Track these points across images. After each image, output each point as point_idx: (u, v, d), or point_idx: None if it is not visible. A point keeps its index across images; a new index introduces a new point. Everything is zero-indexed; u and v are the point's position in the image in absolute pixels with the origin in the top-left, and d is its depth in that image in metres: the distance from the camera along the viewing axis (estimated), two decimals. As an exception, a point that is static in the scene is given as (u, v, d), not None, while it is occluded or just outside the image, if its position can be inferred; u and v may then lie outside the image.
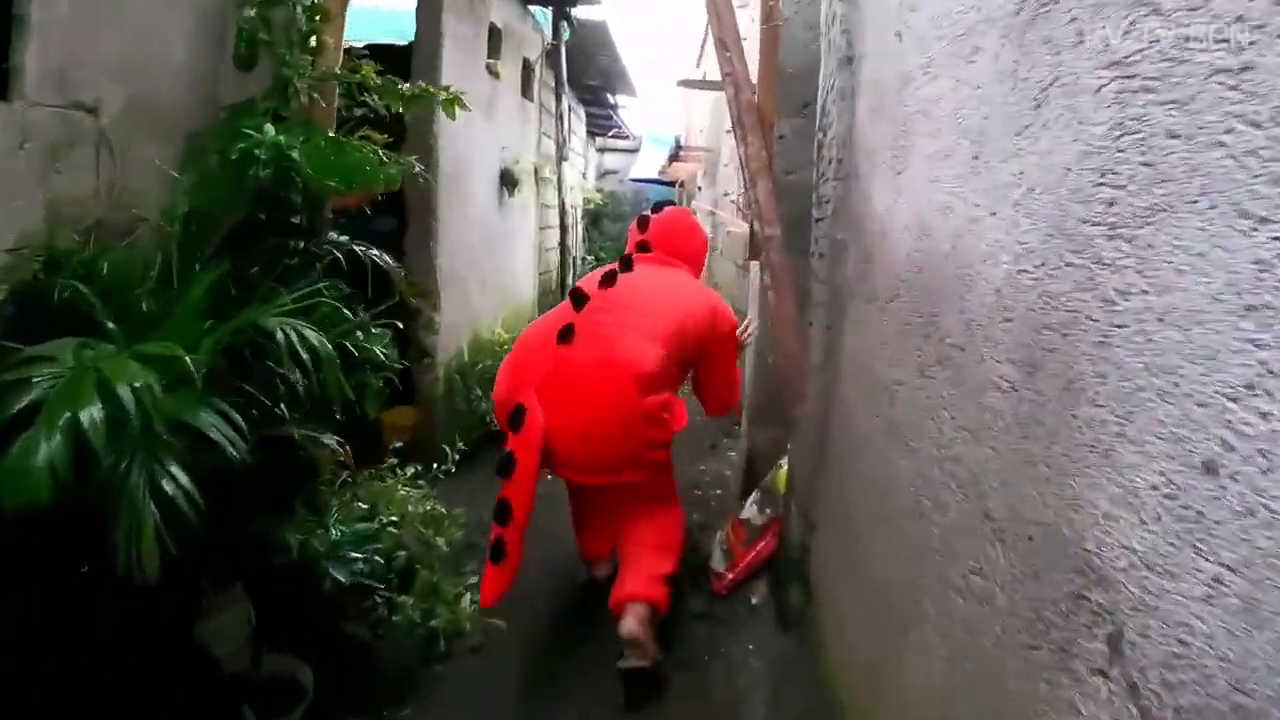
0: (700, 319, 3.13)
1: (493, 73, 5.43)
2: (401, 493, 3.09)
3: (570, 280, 7.05)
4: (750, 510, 3.49)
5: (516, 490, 2.72)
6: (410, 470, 3.33)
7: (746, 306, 4.97)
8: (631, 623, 2.70)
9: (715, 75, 10.56)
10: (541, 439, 2.73)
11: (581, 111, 13.79)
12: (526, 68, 6.50)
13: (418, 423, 4.67)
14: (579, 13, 8.25)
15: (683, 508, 3.33)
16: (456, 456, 4.09)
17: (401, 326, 3.18)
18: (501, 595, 2.70)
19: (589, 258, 14.82)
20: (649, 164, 17.32)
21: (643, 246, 3.42)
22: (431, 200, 4.47)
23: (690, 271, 3.49)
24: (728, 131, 8.58)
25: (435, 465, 3.51)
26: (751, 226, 3.47)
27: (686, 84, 5.71)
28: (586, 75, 11.39)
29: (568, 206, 6.92)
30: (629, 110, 14.76)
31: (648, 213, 3.53)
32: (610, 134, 16.26)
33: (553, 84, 7.12)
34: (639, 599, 2.79)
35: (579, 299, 2.98)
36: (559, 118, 6.91)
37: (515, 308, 6.33)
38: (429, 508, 3.17)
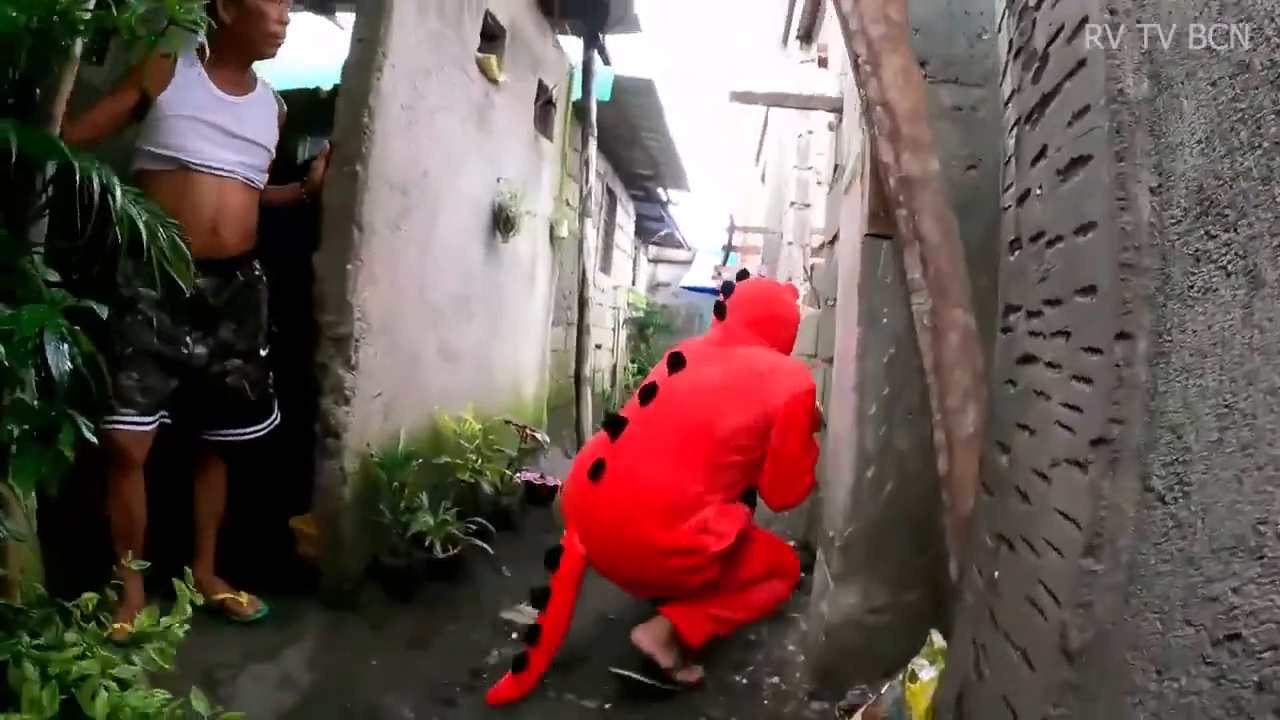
0: (757, 405, 2.77)
1: (486, 73, 4.06)
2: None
3: (584, 371, 5.48)
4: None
5: (549, 618, 2.77)
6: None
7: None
8: (639, 634, 2.77)
9: (775, 170, 9.30)
10: (577, 574, 2.82)
11: (631, 208, 12.68)
12: (544, 94, 5.15)
13: (319, 536, 3.06)
14: (621, 69, 7.05)
15: (792, 576, 3.09)
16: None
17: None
18: (506, 700, 2.67)
19: (631, 364, 13.37)
20: (702, 274, 16.08)
21: (720, 310, 3.17)
22: (354, 206, 2.97)
23: (776, 349, 3.09)
24: (792, 204, 7.15)
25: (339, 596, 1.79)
26: (873, 158, 1.79)
27: (739, 98, 4.24)
28: (631, 158, 10.24)
29: (588, 274, 5.40)
30: (680, 208, 13.58)
31: (728, 287, 3.23)
32: (660, 235, 15.13)
33: (580, 131, 5.77)
34: (662, 617, 2.80)
35: (615, 427, 2.89)
36: (584, 164, 5.51)
37: (504, 399, 4.73)
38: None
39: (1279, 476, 0.68)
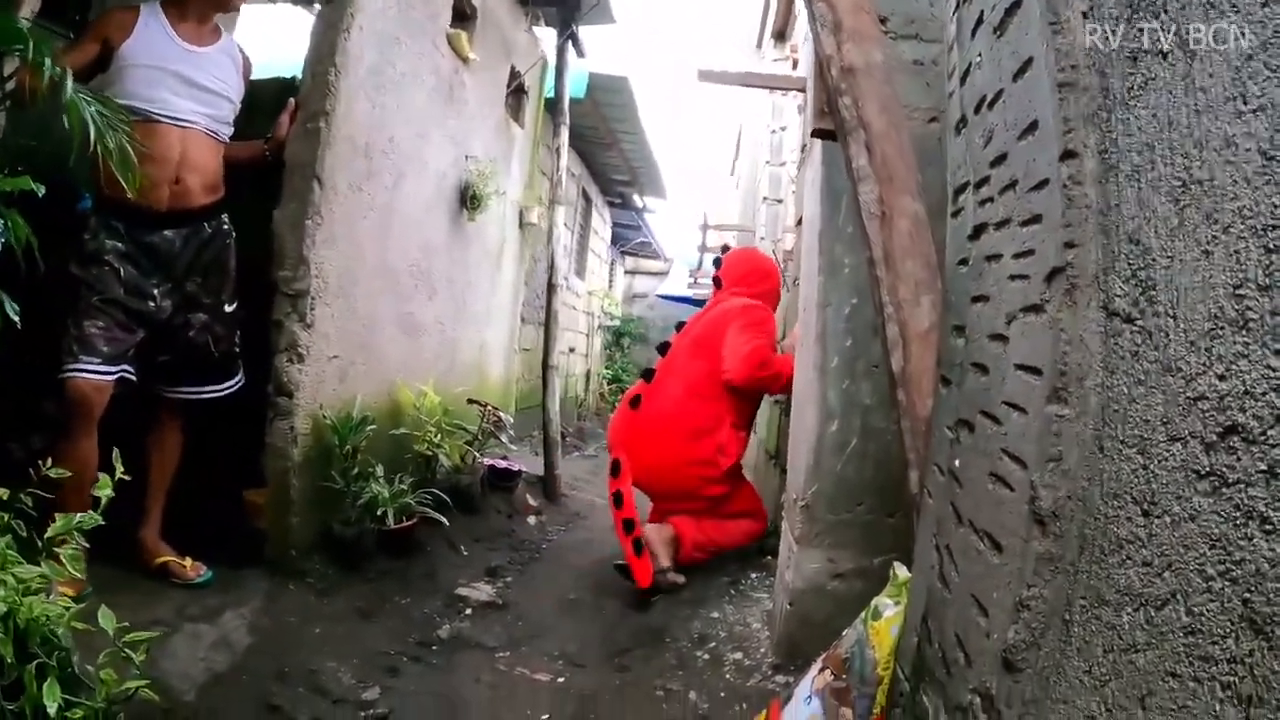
0: (722, 336, 3.73)
1: (457, 50, 3.97)
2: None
3: (552, 360, 5.34)
4: (805, 708, 1.63)
5: (627, 509, 3.52)
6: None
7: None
8: (651, 529, 3.55)
9: (749, 170, 9.25)
10: (631, 478, 3.64)
11: (607, 214, 12.62)
12: (516, 80, 5.07)
13: (267, 499, 2.93)
14: (595, 66, 7.00)
15: (763, 522, 3.83)
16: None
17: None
18: (651, 575, 3.40)
19: (606, 371, 13.28)
20: (679, 283, 16.01)
21: (717, 282, 4.12)
22: (316, 161, 2.89)
23: (762, 299, 3.97)
24: (765, 200, 7.09)
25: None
26: (817, 55, 1.67)
27: (707, 77, 4.19)
28: (608, 162, 10.20)
29: (557, 261, 5.31)
30: (656, 217, 13.54)
31: (718, 262, 4.26)
32: (636, 243, 15.07)
33: (552, 123, 5.68)
34: (670, 525, 3.60)
35: (648, 374, 3.89)
36: (556, 152, 5.43)
37: (467, 380, 4.61)
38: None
39: (1248, 228, 0.61)
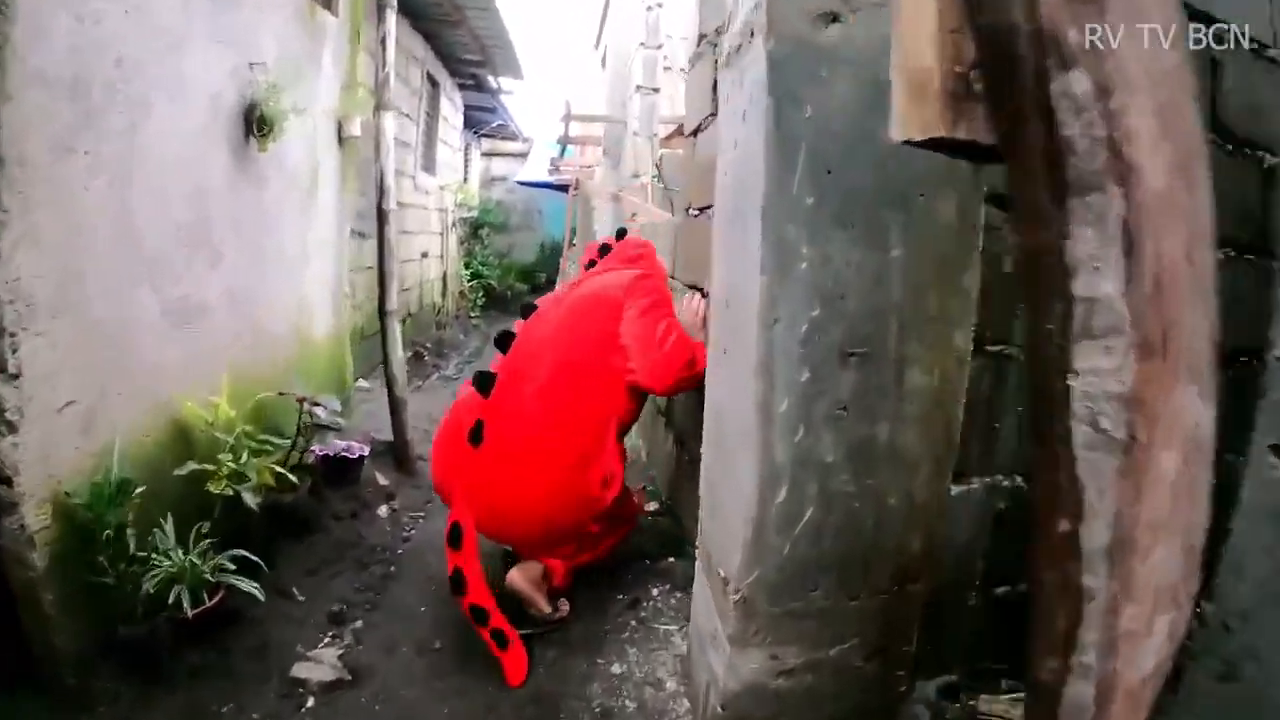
0: (604, 308, 2.80)
1: (212, -90, 2.84)
2: None
3: (390, 304, 4.39)
4: None
5: (474, 593, 2.53)
6: None
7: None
8: (515, 574, 2.71)
9: (618, 52, 8.18)
10: (477, 544, 2.61)
11: (458, 99, 11.26)
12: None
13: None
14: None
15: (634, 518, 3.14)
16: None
17: None
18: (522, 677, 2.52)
19: (465, 270, 12.23)
20: (539, 168, 14.86)
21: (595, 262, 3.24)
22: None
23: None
24: (638, 89, 6.19)
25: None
26: None
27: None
28: (457, 41, 8.89)
29: (388, 182, 4.29)
30: (514, 96, 12.25)
31: (609, 241, 3.30)
32: (494, 126, 13.78)
33: (376, 13, 4.51)
34: (536, 561, 2.75)
35: (485, 383, 2.72)
36: (381, 42, 4.31)
37: (283, 354, 3.66)
38: None
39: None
